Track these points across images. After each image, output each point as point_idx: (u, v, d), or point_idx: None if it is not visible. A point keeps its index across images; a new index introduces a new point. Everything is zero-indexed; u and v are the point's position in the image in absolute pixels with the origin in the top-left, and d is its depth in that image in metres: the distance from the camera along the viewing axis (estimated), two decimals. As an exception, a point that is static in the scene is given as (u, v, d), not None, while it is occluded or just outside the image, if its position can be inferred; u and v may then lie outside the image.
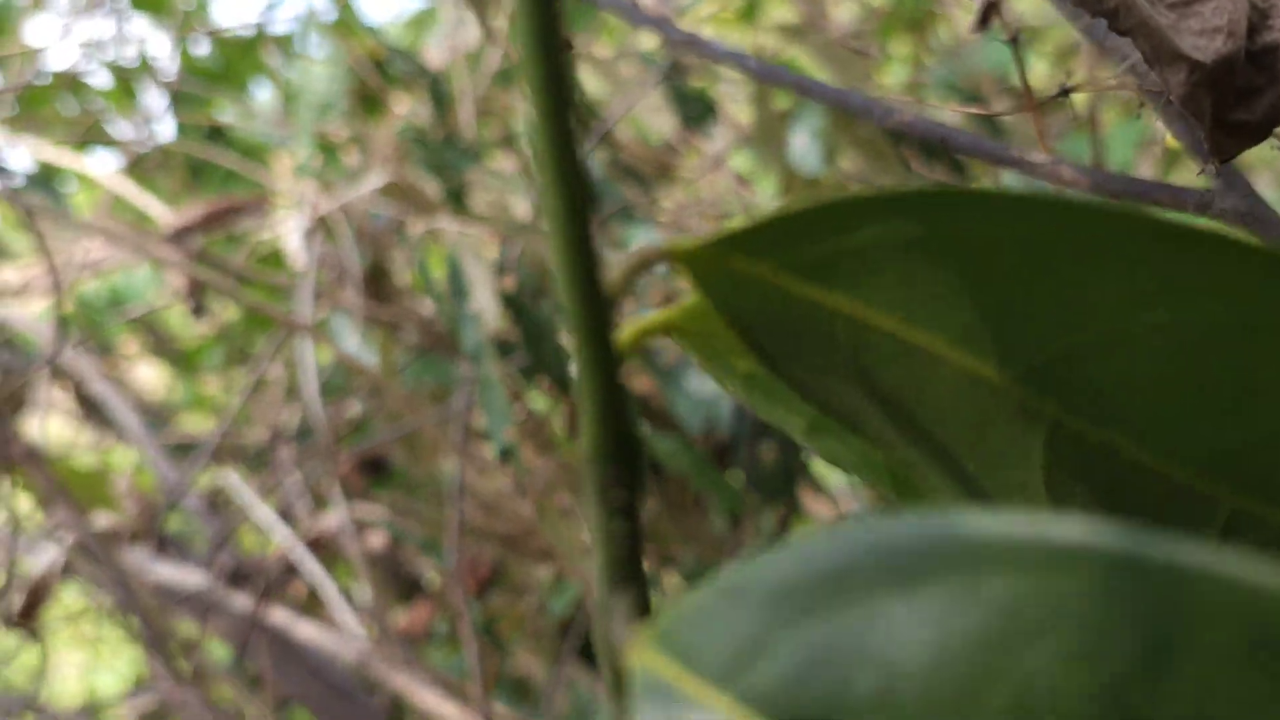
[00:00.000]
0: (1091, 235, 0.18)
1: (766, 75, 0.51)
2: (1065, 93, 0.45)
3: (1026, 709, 0.13)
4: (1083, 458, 0.21)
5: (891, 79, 1.28)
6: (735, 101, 1.17)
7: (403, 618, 1.15)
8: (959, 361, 0.20)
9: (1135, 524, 0.14)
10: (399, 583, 1.18)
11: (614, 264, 0.19)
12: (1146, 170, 1.10)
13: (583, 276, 0.18)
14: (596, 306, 0.18)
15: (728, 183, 1.12)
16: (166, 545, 1.02)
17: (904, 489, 0.26)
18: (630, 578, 0.19)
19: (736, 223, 0.20)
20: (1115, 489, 0.21)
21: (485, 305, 0.82)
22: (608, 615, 0.18)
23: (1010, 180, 0.83)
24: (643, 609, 0.18)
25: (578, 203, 0.18)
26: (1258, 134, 0.32)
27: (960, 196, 0.18)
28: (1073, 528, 0.14)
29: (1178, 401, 0.19)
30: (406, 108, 1.17)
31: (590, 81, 1.20)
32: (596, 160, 1.10)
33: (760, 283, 0.20)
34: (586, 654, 1.11)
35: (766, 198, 1.13)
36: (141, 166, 1.26)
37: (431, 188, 1.04)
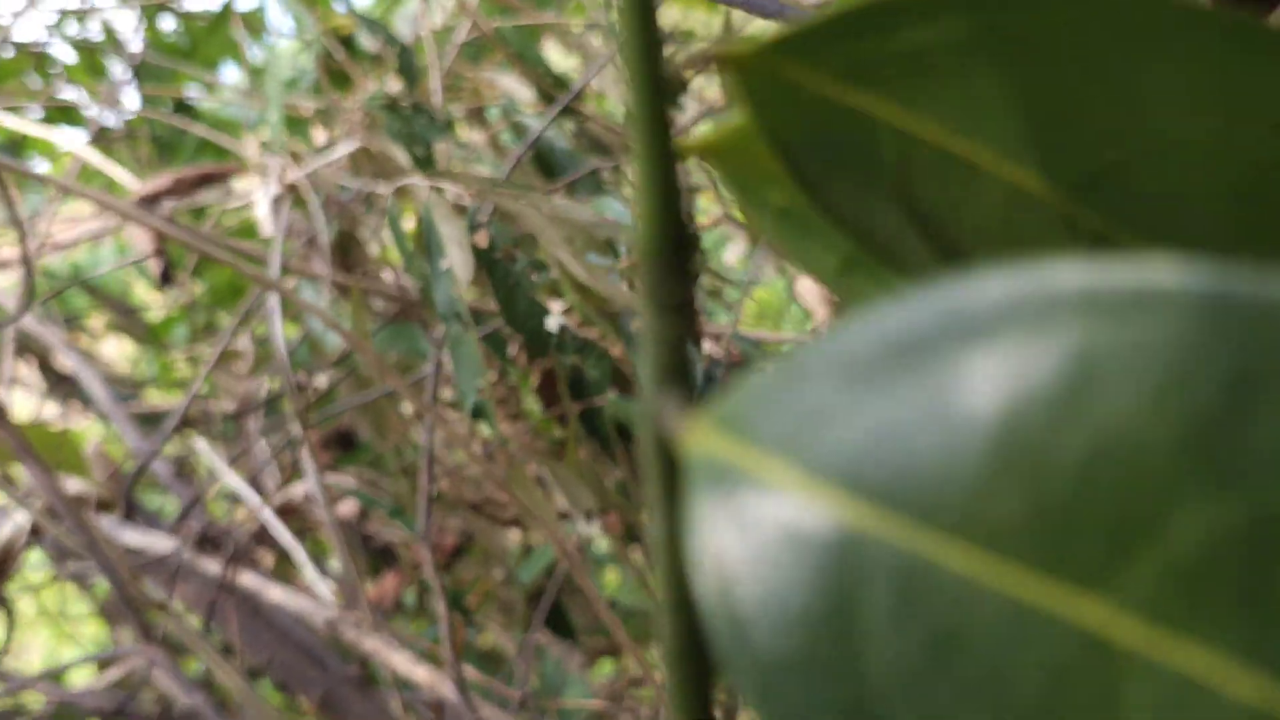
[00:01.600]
0: (1151, 29, 0.17)
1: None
2: None
3: (1103, 456, 0.12)
4: None
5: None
6: (702, 75, 1.18)
7: (372, 589, 1.15)
8: (1005, 173, 0.19)
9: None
10: (367, 555, 1.18)
11: (671, 62, 0.19)
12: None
13: (647, 65, 0.18)
14: (658, 98, 0.18)
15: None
16: (134, 512, 1.02)
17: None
18: (679, 376, 0.18)
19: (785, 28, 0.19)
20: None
21: (458, 262, 0.83)
22: (657, 411, 0.17)
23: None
24: (691, 406, 0.18)
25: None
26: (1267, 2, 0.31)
27: None
28: (1157, 271, 0.13)
29: (1231, 216, 0.18)
30: (375, 82, 1.17)
31: (557, 54, 1.21)
32: (563, 132, 1.10)
33: (807, 91, 0.19)
34: (555, 623, 1.11)
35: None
36: (107, 141, 1.26)
37: (400, 156, 1.05)
